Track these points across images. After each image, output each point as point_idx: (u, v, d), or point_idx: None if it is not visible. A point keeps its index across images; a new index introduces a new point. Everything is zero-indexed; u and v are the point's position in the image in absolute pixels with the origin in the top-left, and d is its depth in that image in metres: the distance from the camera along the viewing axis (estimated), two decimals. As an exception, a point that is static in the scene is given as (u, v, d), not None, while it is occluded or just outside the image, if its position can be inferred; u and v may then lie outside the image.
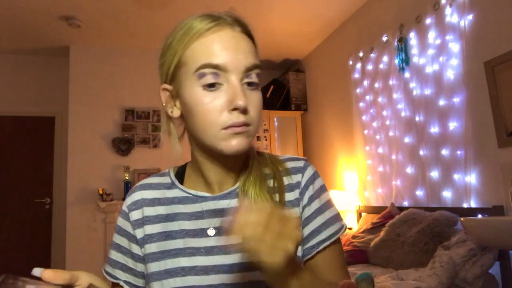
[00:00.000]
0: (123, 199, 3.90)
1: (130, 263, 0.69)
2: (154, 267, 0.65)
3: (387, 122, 3.08)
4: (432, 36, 2.62)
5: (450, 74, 2.46)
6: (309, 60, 4.64)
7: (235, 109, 0.57)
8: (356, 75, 3.53)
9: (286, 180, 0.67)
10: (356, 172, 3.57)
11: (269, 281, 0.52)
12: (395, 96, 2.99)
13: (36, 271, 0.50)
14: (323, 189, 0.68)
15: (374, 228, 2.79)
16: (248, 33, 0.63)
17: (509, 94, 2.10)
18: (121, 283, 0.69)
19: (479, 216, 2.16)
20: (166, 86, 0.64)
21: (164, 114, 0.67)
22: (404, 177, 2.91)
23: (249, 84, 0.60)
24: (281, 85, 4.61)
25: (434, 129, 2.59)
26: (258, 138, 4.42)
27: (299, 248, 0.64)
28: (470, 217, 1.90)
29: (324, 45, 4.28)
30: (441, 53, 2.53)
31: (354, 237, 2.89)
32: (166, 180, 0.72)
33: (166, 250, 0.65)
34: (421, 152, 2.71)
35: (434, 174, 2.58)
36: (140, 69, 4.18)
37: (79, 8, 3.37)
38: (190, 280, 0.62)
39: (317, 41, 4.31)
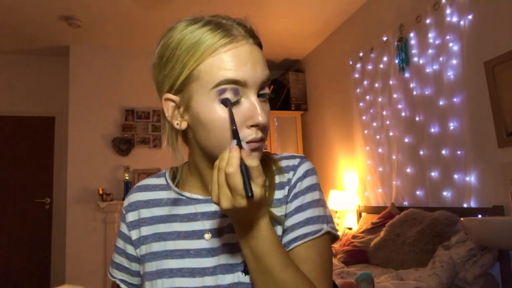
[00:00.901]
0: (123, 199, 3.91)
1: (125, 262, 0.72)
2: (148, 267, 0.66)
3: (387, 122, 3.08)
4: (432, 36, 2.62)
5: (450, 74, 2.46)
6: (309, 60, 4.64)
7: (254, 125, 0.58)
8: (356, 75, 3.53)
9: (278, 179, 0.67)
10: (356, 172, 3.57)
11: (235, 228, 0.56)
12: (395, 96, 2.99)
13: None
14: (312, 188, 0.66)
15: (374, 228, 2.79)
16: (259, 43, 0.63)
17: (509, 94, 2.10)
18: (117, 282, 0.73)
19: (479, 216, 2.16)
20: (171, 96, 0.61)
21: (166, 125, 0.64)
22: (404, 177, 2.91)
23: (262, 95, 0.60)
24: (281, 85, 4.61)
25: (434, 129, 2.59)
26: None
27: (279, 228, 0.64)
28: (470, 217, 1.90)
29: (324, 45, 4.28)
30: (441, 53, 2.53)
31: (354, 237, 2.89)
32: (161, 181, 0.73)
33: (158, 252, 0.66)
34: (421, 152, 2.71)
35: (434, 174, 2.58)
36: (140, 69, 4.17)
37: (79, 8, 3.37)
38: (176, 282, 0.62)
39: (317, 41, 4.32)
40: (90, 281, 3.76)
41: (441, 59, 2.53)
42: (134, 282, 0.73)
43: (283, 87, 4.61)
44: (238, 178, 0.49)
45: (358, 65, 3.50)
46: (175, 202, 0.69)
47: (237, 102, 0.57)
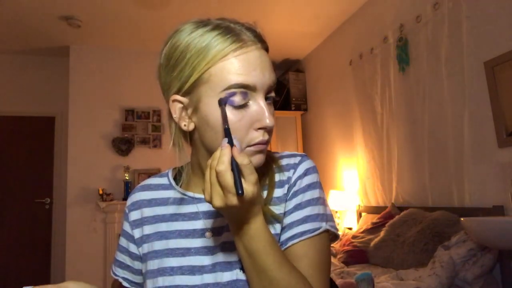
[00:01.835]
0: (123, 199, 3.93)
1: (127, 260, 0.73)
2: (149, 265, 0.67)
3: (387, 122, 3.08)
4: (432, 36, 2.62)
5: (450, 74, 2.46)
6: (309, 60, 4.64)
7: (261, 128, 0.59)
8: (356, 75, 3.53)
9: (278, 177, 0.68)
10: (356, 172, 3.57)
11: (229, 226, 0.57)
12: (395, 96, 2.99)
13: None
14: (312, 186, 0.66)
15: (374, 228, 2.79)
16: (267, 48, 0.65)
17: (509, 94, 2.10)
18: (120, 279, 0.74)
19: (479, 216, 2.16)
20: (179, 98, 0.62)
21: (171, 124, 0.65)
22: (404, 177, 2.91)
23: (267, 98, 0.61)
24: (281, 85, 4.61)
25: (434, 129, 2.58)
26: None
27: (278, 226, 0.64)
28: (470, 217, 1.90)
29: (324, 45, 4.28)
30: (441, 53, 2.53)
31: (354, 237, 2.89)
32: (164, 181, 0.74)
33: (160, 250, 0.67)
34: (421, 152, 2.71)
35: (434, 174, 2.58)
36: (140, 69, 4.17)
37: (79, 8, 3.37)
38: (176, 279, 0.63)
39: (317, 41, 4.32)
40: (90, 281, 3.71)
41: (441, 59, 2.53)
42: (136, 280, 0.74)
43: (283, 87, 4.61)
44: (229, 176, 0.49)
45: (358, 65, 3.50)
46: (175, 202, 0.70)
47: (245, 105, 0.58)
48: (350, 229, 3.33)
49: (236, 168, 0.50)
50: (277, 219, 0.64)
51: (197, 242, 0.65)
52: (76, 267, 3.77)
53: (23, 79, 4.30)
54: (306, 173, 0.67)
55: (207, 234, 0.66)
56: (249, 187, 0.50)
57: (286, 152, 0.72)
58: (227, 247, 0.64)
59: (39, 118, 4.35)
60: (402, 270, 2.16)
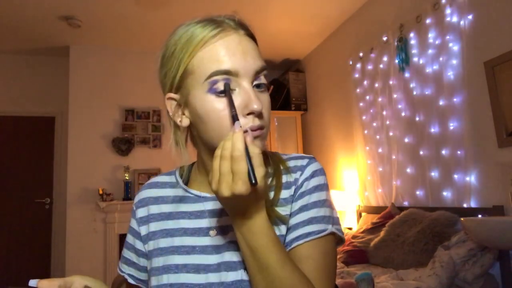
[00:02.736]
0: (123, 199, 3.93)
1: (133, 257, 0.73)
2: (154, 263, 0.67)
3: (387, 122, 3.08)
4: (432, 36, 2.62)
5: (450, 74, 2.46)
6: (309, 60, 4.64)
7: (250, 113, 0.58)
8: (356, 75, 3.53)
9: (285, 178, 0.67)
10: (356, 172, 3.57)
11: (231, 220, 0.55)
12: (395, 96, 2.99)
13: (32, 282, 0.52)
14: (318, 188, 0.66)
15: (374, 228, 2.79)
16: (251, 35, 0.64)
17: (509, 94, 2.10)
18: (126, 276, 0.74)
19: (479, 216, 2.16)
20: (172, 95, 0.63)
21: (171, 123, 0.66)
22: (404, 177, 2.91)
23: (258, 86, 0.61)
24: (281, 85, 4.61)
25: (434, 129, 2.59)
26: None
27: (283, 227, 0.63)
28: (470, 217, 1.90)
29: (324, 45, 4.28)
30: (441, 53, 2.53)
31: (354, 237, 2.89)
32: (172, 179, 0.75)
33: (165, 247, 0.67)
34: (421, 152, 2.71)
35: (434, 174, 2.58)
36: (140, 69, 4.17)
37: (79, 8, 3.37)
38: (181, 277, 0.63)
39: (317, 41, 4.31)
40: (90, 281, 3.76)
41: (441, 59, 2.53)
42: (142, 277, 0.74)
43: (283, 87, 4.60)
44: (244, 164, 0.48)
45: (358, 65, 3.50)
46: (181, 200, 0.70)
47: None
48: (350, 229, 3.33)
49: (248, 156, 0.48)
50: (282, 220, 0.63)
51: (202, 241, 0.65)
52: (76, 267, 3.76)
53: (23, 79, 4.30)
54: (313, 175, 0.66)
55: (211, 232, 0.66)
56: (258, 178, 0.48)
57: (294, 154, 0.71)
58: (233, 246, 0.63)
59: (39, 118, 4.35)
60: (402, 270, 2.16)
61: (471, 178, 2.30)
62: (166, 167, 4.05)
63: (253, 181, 0.47)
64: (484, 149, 2.24)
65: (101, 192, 3.84)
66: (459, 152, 2.39)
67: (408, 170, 2.86)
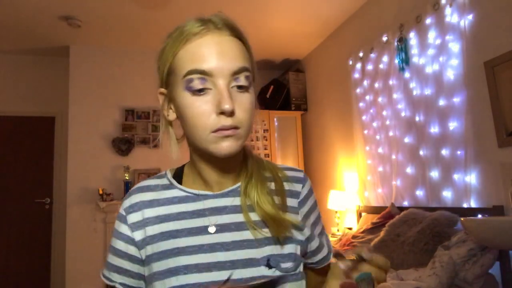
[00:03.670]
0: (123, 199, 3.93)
1: (126, 265, 0.70)
2: (156, 267, 0.65)
3: (387, 122, 3.08)
4: (432, 36, 2.62)
5: (450, 74, 2.46)
6: (309, 60, 4.64)
7: (222, 112, 0.59)
8: (356, 75, 3.53)
9: (286, 186, 0.71)
10: (356, 172, 3.57)
11: None
12: (395, 96, 2.99)
13: None
14: (316, 203, 0.76)
15: (374, 228, 2.79)
16: (238, 35, 0.64)
17: (509, 94, 2.10)
18: (117, 285, 0.70)
19: (479, 216, 2.16)
20: (162, 90, 0.67)
21: (162, 116, 0.69)
22: (404, 177, 2.91)
23: (239, 87, 0.61)
24: (281, 85, 4.61)
25: (434, 129, 2.58)
26: (258, 138, 4.42)
27: (298, 247, 0.68)
28: (470, 217, 1.90)
29: (324, 45, 4.28)
30: (441, 53, 2.53)
31: (354, 237, 2.89)
32: (163, 181, 0.73)
33: (168, 250, 0.65)
34: (421, 152, 2.71)
35: (434, 174, 2.58)
36: (140, 69, 4.18)
37: (79, 8, 3.37)
38: (192, 277, 0.62)
39: (317, 41, 4.32)
40: (90, 281, 3.76)
41: (441, 59, 2.53)
42: (135, 284, 0.71)
43: (283, 87, 4.60)
44: None
45: (358, 65, 3.50)
46: (180, 200, 0.70)
47: (204, 90, 0.60)
48: (350, 229, 3.33)
49: None
50: (296, 227, 0.68)
51: (208, 239, 0.65)
52: (76, 267, 3.77)
53: (23, 79, 4.30)
54: (311, 190, 0.75)
55: (210, 228, 0.66)
56: None
57: (285, 165, 0.76)
58: (246, 244, 0.64)
59: (39, 118, 4.35)
60: (402, 270, 2.16)
61: (471, 178, 2.30)
62: (166, 167, 4.00)
63: None
64: (484, 149, 2.24)
65: (101, 192, 3.84)
66: (459, 152, 2.38)
67: (408, 170, 2.85)
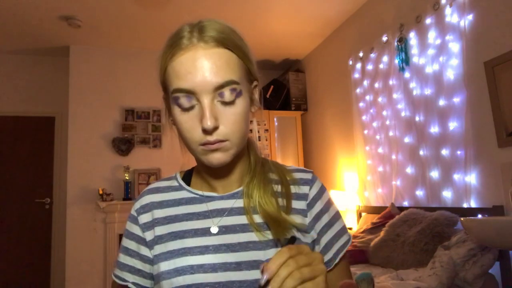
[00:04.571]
0: (123, 199, 3.93)
1: (138, 264, 0.72)
2: (164, 266, 0.66)
3: (387, 122, 3.08)
4: (432, 36, 2.62)
5: (450, 74, 2.46)
6: (309, 60, 4.64)
7: (203, 129, 0.60)
8: (356, 75, 3.53)
9: (293, 189, 0.71)
10: (356, 172, 3.57)
11: None
12: (395, 96, 2.99)
13: None
14: (330, 202, 0.73)
15: (374, 228, 2.79)
16: (226, 45, 0.61)
17: (509, 94, 2.10)
18: (130, 285, 0.72)
19: (479, 216, 2.16)
20: (164, 96, 0.68)
21: (167, 118, 0.71)
22: (404, 177, 2.91)
23: (223, 102, 0.61)
24: (281, 85, 4.61)
25: (434, 129, 2.59)
26: (258, 138, 4.42)
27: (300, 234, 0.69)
28: (470, 217, 1.90)
29: (324, 45, 4.28)
30: (441, 53, 2.53)
31: (354, 237, 2.89)
32: (173, 183, 0.76)
33: (175, 250, 0.67)
34: (421, 152, 2.71)
35: (434, 174, 2.58)
36: (140, 69, 4.18)
37: (79, 8, 3.37)
38: (199, 277, 0.63)
39: (317, 41, 4.32)
40: (90, 281, 3.76)
41: (441, 59, 2.53)
42: (147, 284, 0.73)
43: (283, 87, 4.60)
44: None
45: (358, 65, 3.50)
46: (188, 201, 0.71)
47: (192, 107, 0.60)
48: (350, 229, 3.33)
49: None
50: (298, 228, 0.67)
51: (214, 240, 0.66)
52: (76, 267, 3.77)
53: (23, 79, 4.30)
54: (322, 190, 0.73)
55: (212, 229, 0.67)
56: None
57: (294, 166, 0.76)
58: (251, 246, 0.65)
59: (39, 118, 4.35)
60: (402, 270, 2.16)
61: (471, 178, 2.30)
62: (166, 167, 4.06)
63: None
64: (484, 149, 2.24)
65: (101, 192, 3.84)
66: (459, 152, 2.39)
67: (408, 170, 2.85)
